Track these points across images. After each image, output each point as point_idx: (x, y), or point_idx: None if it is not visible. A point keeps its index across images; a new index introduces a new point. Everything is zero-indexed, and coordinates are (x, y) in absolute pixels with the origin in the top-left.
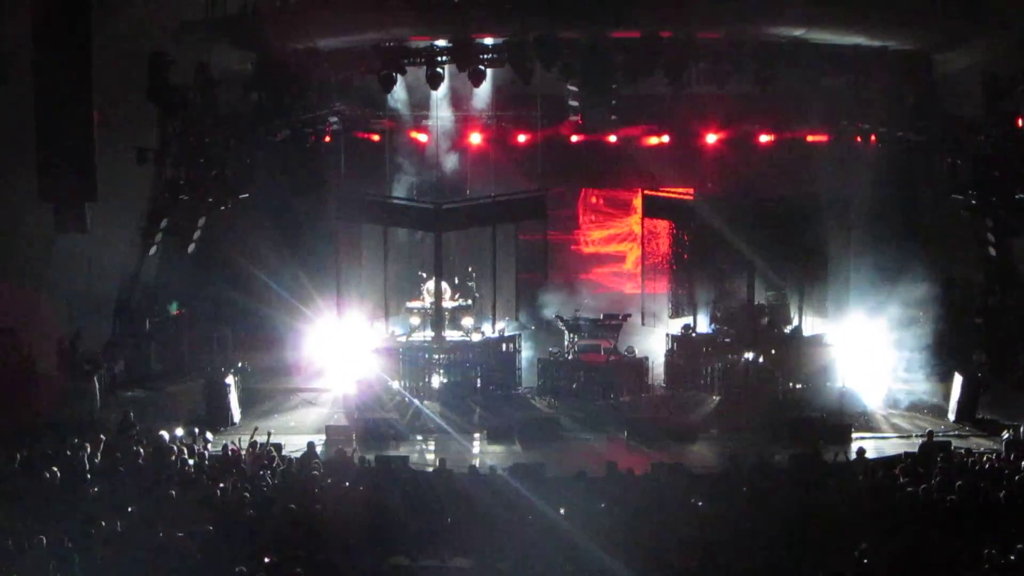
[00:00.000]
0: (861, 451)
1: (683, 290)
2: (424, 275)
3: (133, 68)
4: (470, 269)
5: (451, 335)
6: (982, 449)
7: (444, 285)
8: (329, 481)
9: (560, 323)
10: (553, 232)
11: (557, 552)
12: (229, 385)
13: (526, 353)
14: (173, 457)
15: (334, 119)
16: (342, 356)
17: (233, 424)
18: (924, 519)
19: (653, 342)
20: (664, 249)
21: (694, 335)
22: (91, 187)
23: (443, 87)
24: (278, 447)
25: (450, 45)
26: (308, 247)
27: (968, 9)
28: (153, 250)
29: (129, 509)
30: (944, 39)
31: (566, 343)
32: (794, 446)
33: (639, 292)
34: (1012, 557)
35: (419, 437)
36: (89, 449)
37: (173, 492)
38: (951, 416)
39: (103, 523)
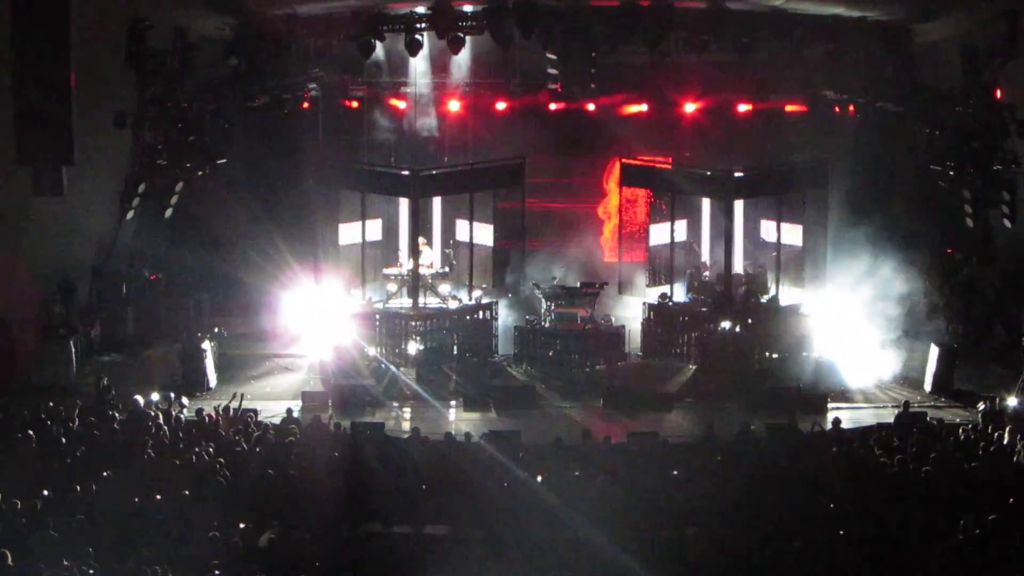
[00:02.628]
0: (837, 421)
1: (660, 259)
2: (422, 239)
3: (112, 32)
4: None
5: (428, 302)
6: (958, 420)
7: (430, 251)
8: (304, 447)
9: (537, 291)
10: (531, 200)
11: (532, 519)
12: (205, 350)
13: (503, 321)
14: (149, 422)
15: (312, 85)
16: (319, 322)
17: (209, 389)
18: (899, 490)
19: (630, 311)
20: (641, 218)
21: (671, 304)
22: (68, 151)
23: (422, 54)
24: (254, 413)
25: (429, 12)
26: (285, 213)
27: None
28: (130, 215)
29: (104, 474)
30: (922, 10)
31: (543, 311)
32: (770, 416)
33: (616, 260)
34: (986, 528)
35: (395, 404)
36: (65, 413)
37: (148, 457)
38: (927, 387)
39: (78, 488)
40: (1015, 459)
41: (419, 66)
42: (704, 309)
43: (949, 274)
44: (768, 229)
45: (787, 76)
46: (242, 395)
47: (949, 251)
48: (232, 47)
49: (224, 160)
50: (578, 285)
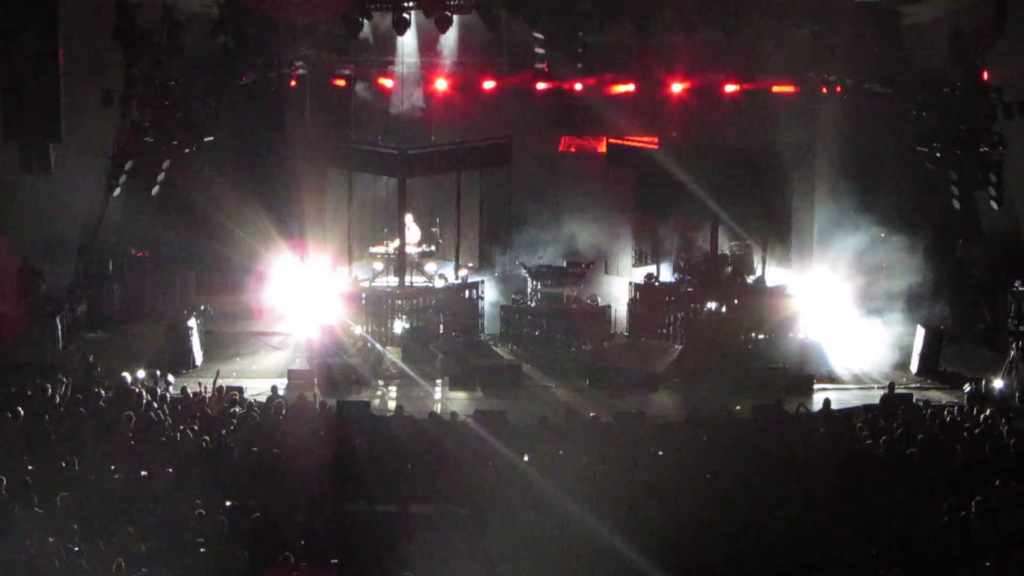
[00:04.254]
0: (827, 403)
1: (647, 239)
2: (409, 216)
3: (100, 10)
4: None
5: (414, 281)
6: (943, 402)
7: (415, 228)
8: (290, 425)
9: (523, 270)
10: (518, 178)
11: (517, 498)
12: (192, 328)
13: (489, 300)
14: (135, 399)
15: (300, 63)
16: (305, 300)
17: (195, 367)
18: (884, 471)
19: (616, 291)
20: (628, 198)
21: (657, 284)
22: (56, 127)
23: (410, 33)
24: (240, 391)
25: None
26: (272, 191)
27: None
28: (117, 192)
29: (90, 451)
30: None
31: (529, 290)
32: (756, 396)
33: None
34: (970, 509)
35: (380, 383)
36: (50, 390)
37: (134, 434)
38: (913, 368)
39: (64, 464)
40: (1000, 441)
41: (407, 45)
42: (690, 289)
43: (936, 256)
44: None
45: (774, 56)
46: (218, 372)
47: (936, 233)
48: (220, 25)
49: (211, 138)
50: (565, 264)
